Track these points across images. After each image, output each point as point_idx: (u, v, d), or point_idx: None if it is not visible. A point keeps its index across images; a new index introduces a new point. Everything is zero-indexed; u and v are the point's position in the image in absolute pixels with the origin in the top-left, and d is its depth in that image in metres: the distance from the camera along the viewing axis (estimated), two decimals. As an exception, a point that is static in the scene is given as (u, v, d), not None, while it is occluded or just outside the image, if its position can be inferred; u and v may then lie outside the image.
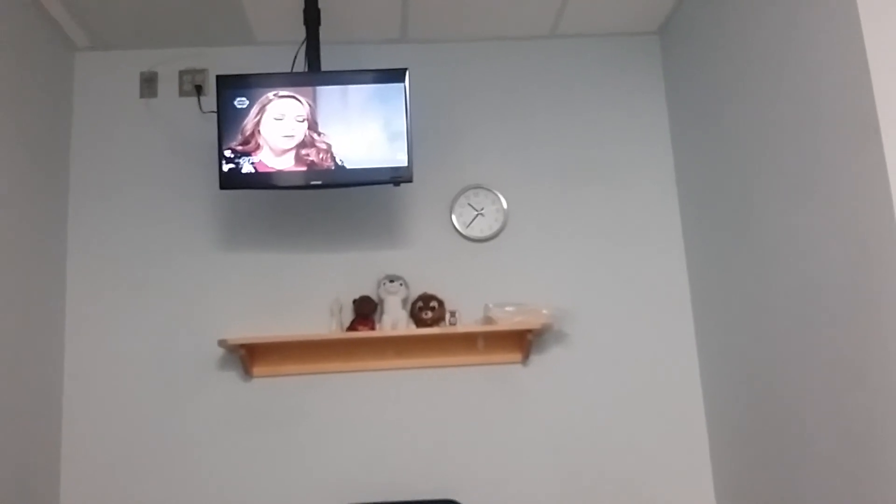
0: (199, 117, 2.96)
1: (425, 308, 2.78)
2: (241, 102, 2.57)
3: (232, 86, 2.58)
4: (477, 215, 2.96)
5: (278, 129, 2.55)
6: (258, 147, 2.55)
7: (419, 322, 2.78)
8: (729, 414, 2.66)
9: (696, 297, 2.90)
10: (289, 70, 2.82)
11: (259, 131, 2.55)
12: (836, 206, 1.95)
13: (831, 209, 1.97)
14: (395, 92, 2.61)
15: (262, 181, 2.56)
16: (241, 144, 2.55)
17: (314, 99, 2.58)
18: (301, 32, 2.74)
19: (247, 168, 2.55)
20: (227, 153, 2.55)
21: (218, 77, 2.60)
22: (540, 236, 2.96)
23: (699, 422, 2.86)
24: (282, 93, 2.57)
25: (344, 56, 3.00)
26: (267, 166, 2.55)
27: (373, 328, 2.78)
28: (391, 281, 2.81)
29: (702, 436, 2.85)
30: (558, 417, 2.84)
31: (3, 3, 2.47)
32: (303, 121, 2.56)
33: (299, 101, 2.57)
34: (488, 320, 2.77)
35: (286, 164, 2.55)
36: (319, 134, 2.57)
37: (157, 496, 2.73)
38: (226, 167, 2.55)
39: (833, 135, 1.95)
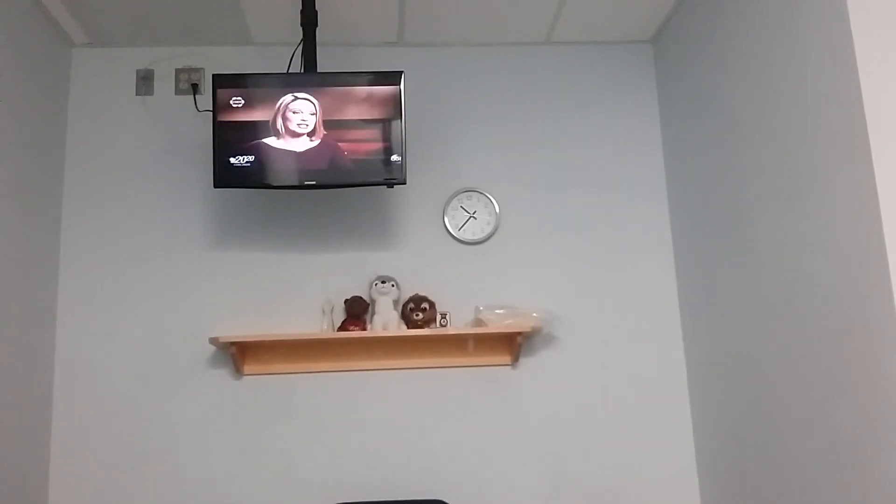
0: (194, 116, 2.97)
1: (416, 309, 2.80)
2: (236, 102, 2.59)
3: (228, 85, 2.60)
4: (469, 218, 2.98)
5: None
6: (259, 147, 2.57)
7: (410, 323, 2.80)
8: (715, 418, 2.68)
9: (684, 303, 2.93)
10: (285, 71, 2.84)
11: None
12: (825, 214, 1.98)
13: (821, 218, 2.00)
14: (391, 94, 2.63)
15: (257, 180, 2.58)
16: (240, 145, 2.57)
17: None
18: (298, 34, 2.76)
19: (242, 163, 2.56)
20: (222, 152, 2.57)
21: (214, 76, 2.61)
22: (531, 240, 2.99)
23: (685, 426, 2.88)
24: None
25: (340, 58, 3.02)
26: (270, 157, 2.56)
27: (364, 328, 2.80)
28: (383, 282, 2.82)
29: (688, 440, 2.87)
30: (546, 420, 2.86)
31: (2, -2, 2.48)
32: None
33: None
34: (479, 322, 2.80)
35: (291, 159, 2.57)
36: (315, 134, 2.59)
37: (147, 493, 2.73)
38: (220, 165, 2.56)
39: (823, 144, 1.98)
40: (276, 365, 2.83)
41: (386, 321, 2.78)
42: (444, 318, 2.85)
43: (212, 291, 2.87)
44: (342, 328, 2.80)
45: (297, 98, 2.58)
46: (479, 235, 2.97)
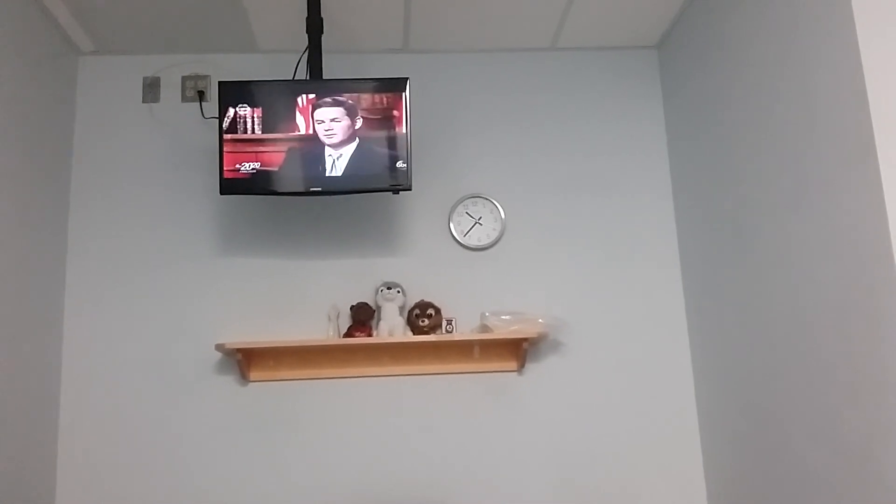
0: (200, 123, 2.98)
1: (422, 315, 2.80)
2: (242, 108, 2.59)
3: (234, 92, 2.60)
4: (475, 224, 2.98)
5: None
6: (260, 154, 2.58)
7: (416, 329, 2.80)
8: (722, 423, 2.67)
9: (690, 308, 2.92)
10: (290, 77, 2.85)
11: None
12: (831, 217, 1.97)
13: (827, 221, 1.99)
14: (396, 100, 2.63)
15: (262, 187, 2.58)
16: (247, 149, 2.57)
17: (315, 106, 2.61)
18: (304, 41, 2.77)
19: (248, 170, 2.57)
20: (228, 159, 2.58)
21: (220, 83, 2.62)
22: (537, 246, 2.98)
23: (693, 431, 2.87)
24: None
25: (346, 65, 3.03)
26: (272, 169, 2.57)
27: (370, 335, 2.80)
28: (389, 288, 2.82)
29: (695, 445, 2.86)
30: (553, 426, 2.85)
31: (8, 7, 2.49)
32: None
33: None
34: (485, 328, 2.79)
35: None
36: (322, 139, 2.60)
37: (153, 499, 2.73)
38: (226, 173, 2.57)
39: (829, 147, 1.97)
40: (282, 371, 2.83)
41: (392, 327, 2.77)
42: (450, 324, 2.85)
43: (217, 298, 2.88)
44: (348, 334, 2.80)
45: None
46: (484, 241, 2.97)
